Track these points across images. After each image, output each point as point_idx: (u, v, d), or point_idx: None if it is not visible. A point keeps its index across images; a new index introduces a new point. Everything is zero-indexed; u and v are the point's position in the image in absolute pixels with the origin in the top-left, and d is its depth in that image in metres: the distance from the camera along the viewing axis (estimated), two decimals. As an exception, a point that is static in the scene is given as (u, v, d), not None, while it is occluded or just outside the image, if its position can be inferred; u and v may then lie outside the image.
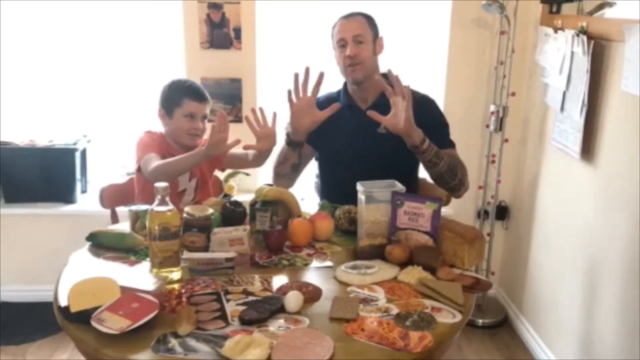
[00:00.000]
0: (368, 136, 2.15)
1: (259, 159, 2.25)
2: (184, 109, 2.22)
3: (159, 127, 2.31)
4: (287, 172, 2.20)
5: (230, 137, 2.02)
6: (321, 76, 2.02)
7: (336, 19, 2.16)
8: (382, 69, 2.23)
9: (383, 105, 1.96)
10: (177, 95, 2.23)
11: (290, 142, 2.14)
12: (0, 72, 3.09)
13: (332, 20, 2.17)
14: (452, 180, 2.05)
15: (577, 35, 2.29)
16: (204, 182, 2.36)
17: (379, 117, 1.92)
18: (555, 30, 2.53)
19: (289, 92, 2.04)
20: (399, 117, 1.88)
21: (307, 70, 2.01)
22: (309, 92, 2.05)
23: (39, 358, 2.71)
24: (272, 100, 3.14)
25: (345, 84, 2.24)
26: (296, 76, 2.02)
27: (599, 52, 2.21)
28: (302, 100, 2.04)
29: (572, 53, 2.34)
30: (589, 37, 2.23)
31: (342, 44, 2.10)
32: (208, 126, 2.26)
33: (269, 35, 3.07)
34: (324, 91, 2.30)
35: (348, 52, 2.08)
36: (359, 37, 2.08)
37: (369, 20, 2.15)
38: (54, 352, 2.76)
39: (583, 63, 2.25)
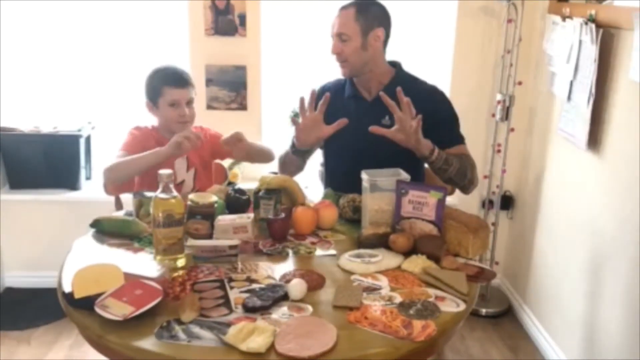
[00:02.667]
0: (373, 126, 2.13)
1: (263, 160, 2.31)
2: (166, 97, 2.18)
3: (151, 120, 2.28)
4: (291, 170, 2.21)
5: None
6: (327, 98, 2.00)
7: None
8: (390, 57, 2.21)
9: (388, 96, 1.95)
10: (157, 85, 2.19)
11: (296, 151, 2.13)
12: (4, 59, 3.08)
13: (337, 6, 2.11)
14: (462, 181, 2.04)
15: (586, 23, 2.26)
16: (205, 171, 2.35)
17: (383, 131, 1.90)
18: (563, 18, 2.50)
19: (294, 121, 2.05)
20: (406, 137, 1.86)
21: (312, 94, 2.01)
22: (315, 111, 2.02)
23: (43, 343, 2.73)
24: (276, 88, 3.14)
25: None
26: (302, 100, 2.00)
27: (608, 41, 2.19)
28: (307, 118, 2.02)
29: (580, 41, 2.32)
30: (598, 26, 2.20)
31: (333, 39, 2.10)
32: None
33: (274, 22, 3.05)
34: (330, 77, 2.30)
35: (331, 50, 2.08)
36: (342, 34, 2.04)
37: (362, 11, 2.05)
38: (58, 338, 2.77)
39: (591, 52, 2.23)
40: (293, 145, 2.12)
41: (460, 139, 2.12)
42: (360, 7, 2.06)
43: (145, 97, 2.23)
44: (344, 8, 2.08)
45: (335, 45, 2.06)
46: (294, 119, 2.06)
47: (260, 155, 2.31)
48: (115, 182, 2.12)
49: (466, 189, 2.10)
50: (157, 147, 2.14)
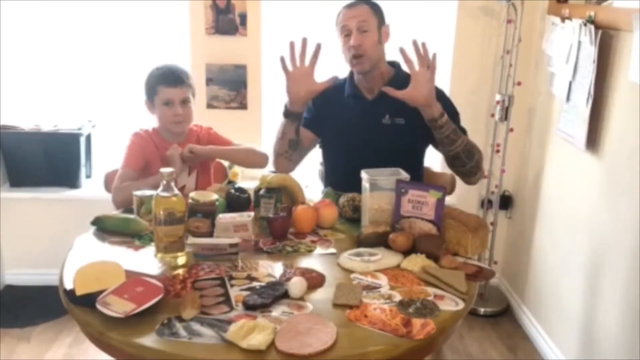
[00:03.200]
0: (372, 126, 2.14)
1: (249, 164, 2.31)
2: (161, 96, 2.18)
3: (151, 120, 2.28)
4: (285, 149, 2.14)
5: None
6: (318, 47, 1.96)
7: (340, 6, 2.11)
8: (390, 57, 2.22)
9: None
10: (153, 84, 2.19)
11: (288, 113, 2.08)
12: (5, 57, 3.09)
13: (338, 6, 2.13)
14: (470, 161, 2.02)
15: (585, 24, 2.27)
16: (205, 174, 2.35)
17: (396, 93, 1.90)
18: (563, 19, 2.51)
19: (282, 59, 1.98)
20: (421, 89, 1.87)
21: (304, 41, 1.96)
22: (306, 62, 1.99)
23: (43, 341, 2.74)
24: (276, 87, 3.13)
25: (351, 72, 2.23)
26: (292, 45, 1.96)
27: (607, 42, 2.20)
28: (298, 70, 1.99)
29: (579, 42, 2.33)
30: (597, 27, 2.21)
31: (346, 32, 2.06)
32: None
33: (275, 21, 3.06)
34: (330, 74, 2.29)
35: (352, 42, 2.04)
36: (363, 25, 2.03)
37: (374, 7, 2.10)
38: (57, 335, 2.78)
39: (590, 53, 2.24)
40: (285, 107, 2.08)
41: (463, 131, 2.12)
42: (371, 3, 2.10)
43: (144, 95, 2.24)
44: (355, 5, 2.08)
45: (356, 38, 2.03)
46: (283, 61, 2.00)
47: (244, 160, 2.29)
48: (123, 205, 2.10)
49: (474, 174, 2.08)
50: (157, 152, 2.17)
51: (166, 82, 2.17)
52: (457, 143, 1.97)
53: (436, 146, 2.14)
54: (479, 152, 2.08)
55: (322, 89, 2.02)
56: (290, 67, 2.00)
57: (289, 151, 2.15)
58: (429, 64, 1.86)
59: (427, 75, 1.85)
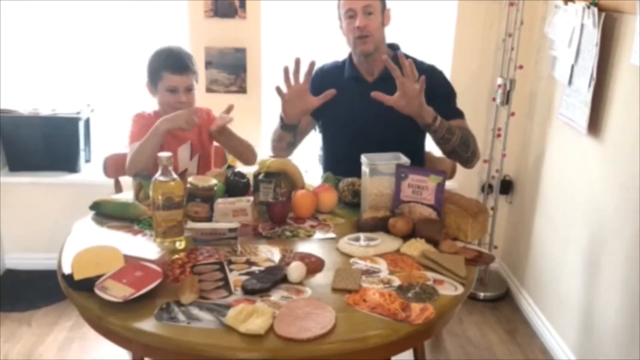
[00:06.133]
0: (373, 108, 2.12)
1: (241, 158, 2.29)
2: (164, 82, 2.14)
3: (151, 102, 2.26)
4: (283, 148, 2.18)
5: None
6: (312, 65, 1.95)
7: None
8: (391, 39, 2.21)
9: (390, 78, 1.94)
10: (157, 68, 2.15)
11: (284, 126, 2.09)
12: (4, 41, 3.06)
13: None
14: (465, 153, 2.03)
15: (588, 7, 2.25)
16: (206, 157, 2.34)
17: (385, 98, 1.88)
18: (565, 1, 2.48)
19: (277, 88, 1.98)
20: (410, 102, 1.84)
21: (297, 61, 1.95)
22: (301, 80, 1.97)
23: (43, 325, 2.75)
24: (276, 70, 3.11)
25: (350, 55, 2.21)
26: (286, 69, 1.95)
27: (610, 25, 2.17)
28: (293, 89, 1.98)
29: (582, 25, 2.31)
30: (600, 9, 2.19)
31: (350, 14, 2.06)
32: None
33: (274, 3, 3.03)
34: (330, 59, 2.28)
35: (357, 23, 2.03)
36: (368, 7, 2.03)
37: None
38: (58, 319, 2.79)
39: (593, 36, 2.22)
40: (281, 120, 2.09)
41: (459, 114, 2.12)
42: None
43: (146, 77, 2.21)
44: None
45: (362, 19, 2.03)
46: (279, 89, 2.00)
47: (244, 151, 2.27)
48: (143, 171, 2.09)
49: (470, 161, 2.09)
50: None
51: (172, 68, 2.13)
52: (452, 141, 1.96)
53: None
54: (473, 140, 2.08)
55: (318, 104, 2.01)
56: (285, 90, 1.99)
57: (287, 149, 2.18)
58: (415, 78, 1.82)
59: (417, 91, 1.82)
